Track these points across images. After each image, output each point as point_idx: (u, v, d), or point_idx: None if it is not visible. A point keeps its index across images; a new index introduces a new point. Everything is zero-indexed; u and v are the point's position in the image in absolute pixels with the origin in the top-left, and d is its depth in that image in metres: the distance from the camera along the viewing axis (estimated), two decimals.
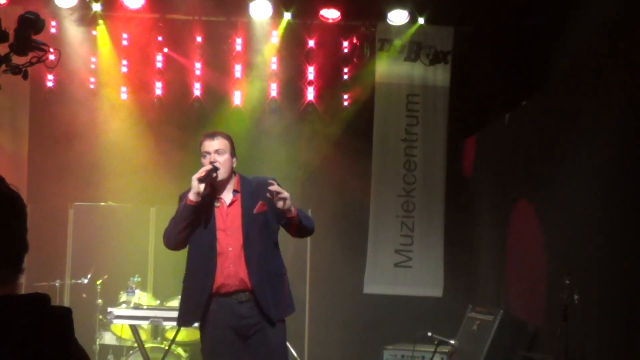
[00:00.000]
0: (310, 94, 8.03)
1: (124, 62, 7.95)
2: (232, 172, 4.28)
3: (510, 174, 6.82)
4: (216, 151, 4.18)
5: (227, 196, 4.25)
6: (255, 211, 4.19)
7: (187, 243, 4.25)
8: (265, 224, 4.21)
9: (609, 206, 4.81)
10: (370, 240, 8.07)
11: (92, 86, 8.01)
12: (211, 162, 4.14)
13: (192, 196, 4.07)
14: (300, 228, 4.29)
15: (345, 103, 8.09)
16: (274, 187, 4.04)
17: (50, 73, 7.71)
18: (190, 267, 4.31)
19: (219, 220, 4.20)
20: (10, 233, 1.46)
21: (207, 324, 4.22)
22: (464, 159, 8.20)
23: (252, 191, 4.23)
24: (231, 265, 4.15)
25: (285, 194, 4.05)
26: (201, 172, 4.09)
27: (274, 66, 7.96)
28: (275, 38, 7.87)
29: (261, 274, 4.16)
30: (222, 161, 4.17)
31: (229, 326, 4.16)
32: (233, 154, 4.27)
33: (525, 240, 6.42)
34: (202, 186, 4.06)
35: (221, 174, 4.17)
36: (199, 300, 4.19)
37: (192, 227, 4.17)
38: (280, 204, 4.05)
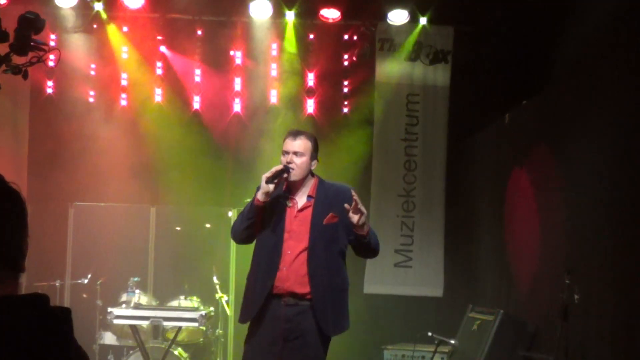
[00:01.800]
0: (310, 93, 8.03)
1: (124, 57, 7.94)
2: (311, 174, 4.16)
3: (509, 173, 6.81)
4: (295, 152, 4.07)
5: (300, 199, 4.14)
6: (324, 222, 4.08)
7: (252, 239, 4.17)
8: (333, 236, 4.09)
9: (609, 205, 4.81)
10: None
11: (91, 88, 8.00)
12: (286, 163, 4.04)
13: (260, 196, 3.98)
14: (365, 249, 4.17)
15: (345, 103, 8.09)
16: (356, 197, 3.92)
17: (50, 77, 7.73)
18: (254, 264, 4.21)
19: (288, 221, 4.09)
20: (10, 233, 1.45)
21: (255, 320, 4.12)
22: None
23: (326, 200, 4.11)
24: (285, 268, 4.05)
25: (364, 209, 3.95)
26: (271, 172, 3.98)
27: (274, 66, 7.96)
28: (275, 38, 7.88)
29: (323, 286, 4.06)
30: (299, 163, 4.05)
31: (273, 326, 4.05)
32: (314, 156, 4.14)
33: (525, 240, 6.42)
34: (271, 186, 3.96)
35: (294, 175, 4.06)
36: (257, 298, 4.08)
37: (259, 224, 4.06)
38: (355, 217, 3.94)
